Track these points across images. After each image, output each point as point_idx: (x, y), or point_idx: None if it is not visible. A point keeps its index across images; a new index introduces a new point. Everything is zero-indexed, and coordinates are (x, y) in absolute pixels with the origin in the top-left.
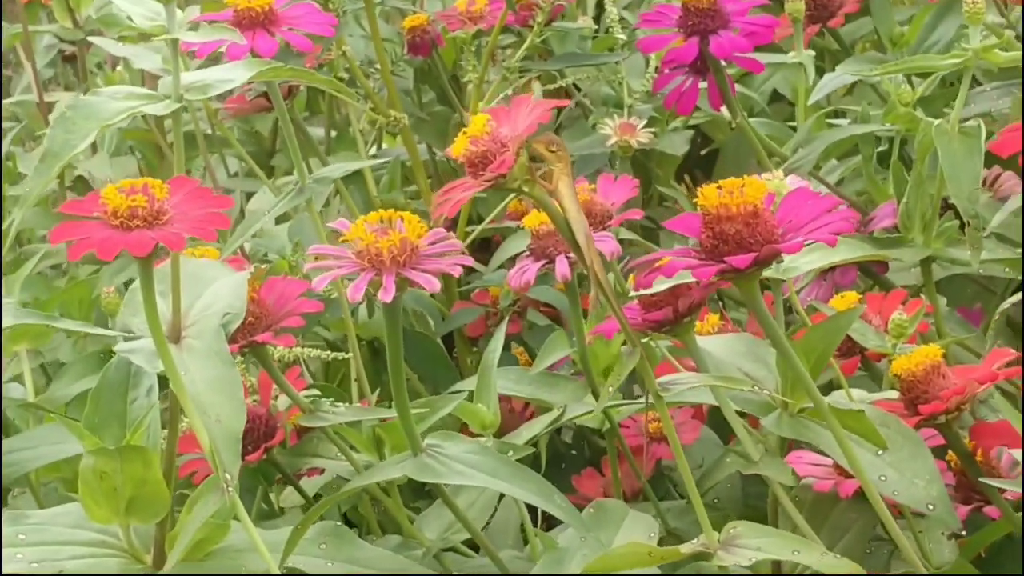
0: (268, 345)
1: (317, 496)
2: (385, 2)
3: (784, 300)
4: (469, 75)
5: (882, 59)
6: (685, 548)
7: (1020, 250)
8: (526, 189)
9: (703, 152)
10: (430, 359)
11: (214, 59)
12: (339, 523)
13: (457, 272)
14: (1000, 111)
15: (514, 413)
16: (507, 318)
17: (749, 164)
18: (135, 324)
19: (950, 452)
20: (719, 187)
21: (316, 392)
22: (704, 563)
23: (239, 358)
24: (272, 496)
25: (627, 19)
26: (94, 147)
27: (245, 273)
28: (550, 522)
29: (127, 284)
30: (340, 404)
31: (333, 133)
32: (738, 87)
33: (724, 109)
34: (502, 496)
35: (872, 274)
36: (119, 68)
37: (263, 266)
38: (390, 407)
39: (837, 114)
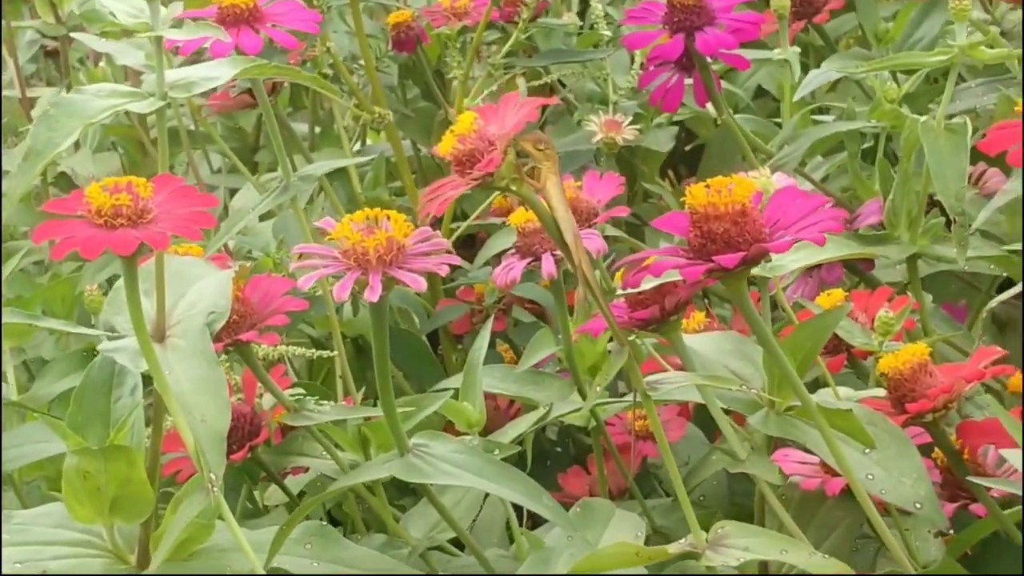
0: (253, 343)
1: (302, 494)
2: None
3: (770, 297)
4: (454, 71)
5: (867, 55)
6: (673, 548)
7: (1005, 247)
8: (514, 188)
9: (687, 148)
10: (415, 357)
11: (197, 55)
12: (324, 522)
13: (444, 271)
14: (985, 107)
15: (499, 411)
16: (492, 316)
17: (734, 160)
18: (119, 323)
19: (936, 450)
20: (707, 186)
21: (301, 391)
22: (692, 563)
23: (223, 356)
24: (256, 494)
25: (612, 15)
26: (77, 144)
27: (230, 271)
28: (535, 520)
29: (110, 281)
30: (325, 402)
31: (317, 129)
32: (723, 83)
33: (709, 105)
34: (487, 494)
35: (858, 271)
36: (102, 64)
37: (248, 264)
38: (375, 405)
39: (821, 110)
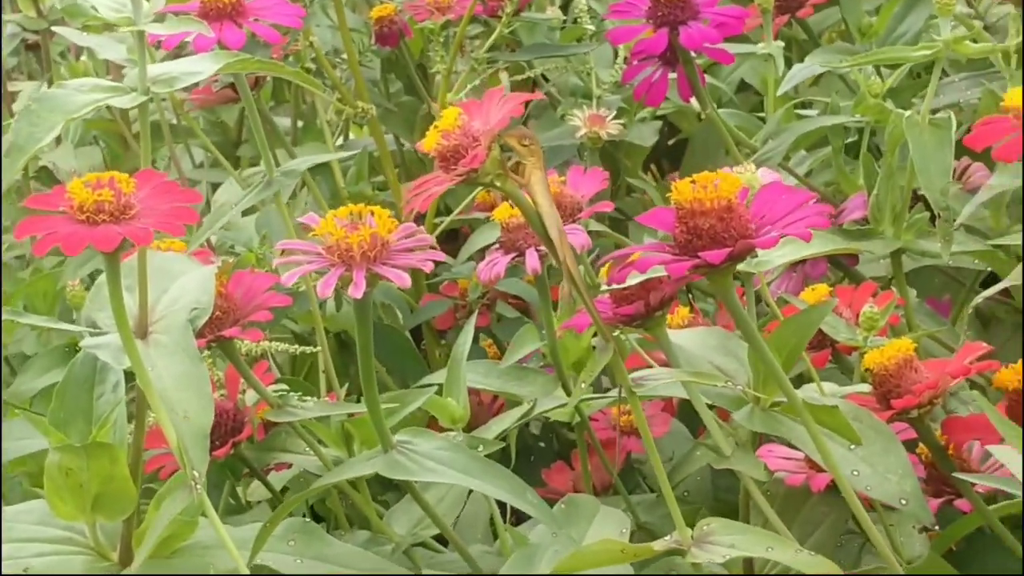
0: (235, 339)
1: (285, 490)
2: None
3: (754, 292)
4: (437, 66)
5: (851, 50)
6: (658, 545)
7: (989, 242)
8: (499, 183)
9: (671, 142)
10: (398, 352)
11: (180, 50)
12: (307, 519)
13: (428, 267)
14: (968, 102)
15: (483, 406)
16: (476, 311)
17: (718, 155)
18: (101, 319)
19: (921, 445)
20: (693, 181)
21: (284, 387)
22: (677, 560)
23: (206, 352)
24: (239, 490)
25: (595, 9)
26: (58, 138)
27: (212, 267)
28: (519, 516)
29: (92, 276)
30: (308, 398)
31: (300, 124)
32: (706, 77)
33: (693, 100)
34: (471, 491)
35: (842, 266)
36: (83, 58)
37: (230, 260)
38: (359, 401)
39: (805, 105)
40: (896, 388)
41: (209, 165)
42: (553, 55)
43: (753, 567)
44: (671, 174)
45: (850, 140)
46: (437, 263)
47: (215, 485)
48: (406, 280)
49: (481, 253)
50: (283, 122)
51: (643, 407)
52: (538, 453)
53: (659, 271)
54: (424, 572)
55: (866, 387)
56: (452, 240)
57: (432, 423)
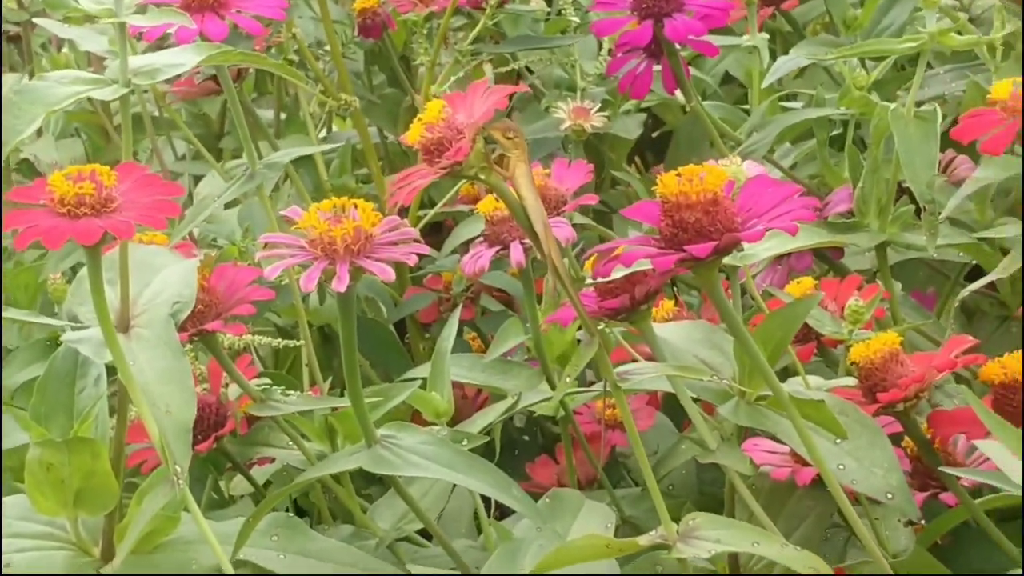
0: (218, 333)
1: (268, 485)
2: None
3: (739, 285)
4: (421, 58)
5: (836, 42)
6: (643, 540)
7: (975, 235)
8: (483, 176)
9: (655, 135)
10: (382, 346)
11: (162, 41)
12: (291, 514)
13: (412, 261)
14: (953, 94)
15: (467, 399)
16: (460, 304)
17: (702, 147)
18: (82, 313)
19: (906, 439)
20: (678, 174)
21: (267, 380)
22: (663, 555)
23: (188, 346)
24: (222, 485)
25: (580, 1)
26: (40, 130)
27: (195, 261)
28: (504, 510)
29: (74, 269)
30: (291, 392)
31: (283, 116)
32: (691, 69)
33: (678, 92)
34: (456, 485)
35: (827, 259)
36: (65, 50)
37: (213, 253)
38: (342, 394)
39: (789, 97)
40: (882, 382)
41: (191, 157)
42: (537, 47)
43: (739, 562)
44: (656, 167)
45: (835, 133)
46: (421, 256)
47: (197, 479)
48: (390, 274)
49: (465, 246)
50: (266, 114)
51: (628, 401)
52: (522, 447)
53: (644, 264)
54: (408, 567)
55: (852, 381)
56: (436, 233)
57: (416, 417)
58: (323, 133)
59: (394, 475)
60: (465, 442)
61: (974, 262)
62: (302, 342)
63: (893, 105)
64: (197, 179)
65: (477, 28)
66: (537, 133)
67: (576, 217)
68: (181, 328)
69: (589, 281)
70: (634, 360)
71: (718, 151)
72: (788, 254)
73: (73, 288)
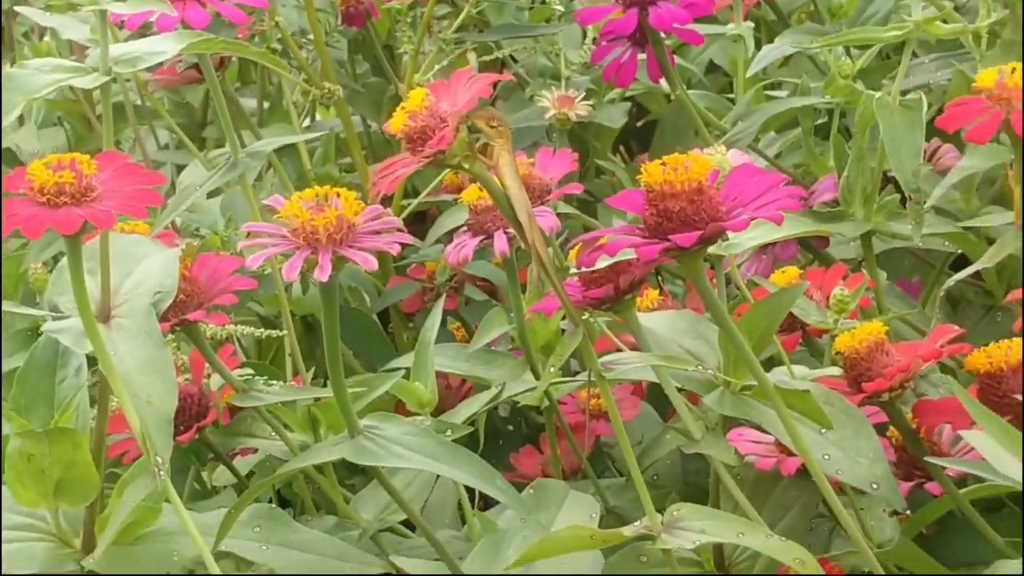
0: (200, 323)
1: (251, 475)
2: None
3: (724, 275)
4: (404, 46)
5: (821, 30)
6: (628, 531)
7: (960, 224)
8: (466, 165)
9: (640, 124)
10: (365, 335)
11: (144, 29)
12: (273, 505)
13: (395, 250)
14: (938, 83)
15: (451, 389)
16: (444, 294)
17: (687, 136)
18: (63, 303)
19: (892, 429)
20: (663, 164)
21: (249, 371)
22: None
23: (170, 336)
24: (205, 475)
25: None
26: (21, 119)
27: (176, 250)
28: (488, 501)
29: (57, 259)
30: (274, 382)
31: (266, 104)
32: (676, 58)
33: (663, 81)
34: (439, 475)
35: (812, 248)
36: (46, 38)
37: (195, 242)
38: (325, 384)
39: (774, 86)
40: (867, 371)
41: (174, 147)
42: (522, 35)
43: (723, 553)
44: (640, 156)
45: (820, 121)
46: (405, 245)
47: (180, 470)
48: (373, 263)
49: (449, 235)
50: (249, 103)
51: (612, 390)
52: (507, 437)
53: (629, 254)
54: (391, 558)
55: (837, 370)
56: (420, 222)
57: (400, 407)
58: (306, 122)
59: (377, 466)
60: (449, 432)
61: (959, 251)
62: (284, 332)
63: (878, 94)
64: (180, 168)
65: (461, 16)
66: (521, 122)
67: (560, 206)
68: (163, 318)
69: (573, 271)
70: (619, 350)
71: (703, 140)
72: (773, 243)
73: (54, 278)
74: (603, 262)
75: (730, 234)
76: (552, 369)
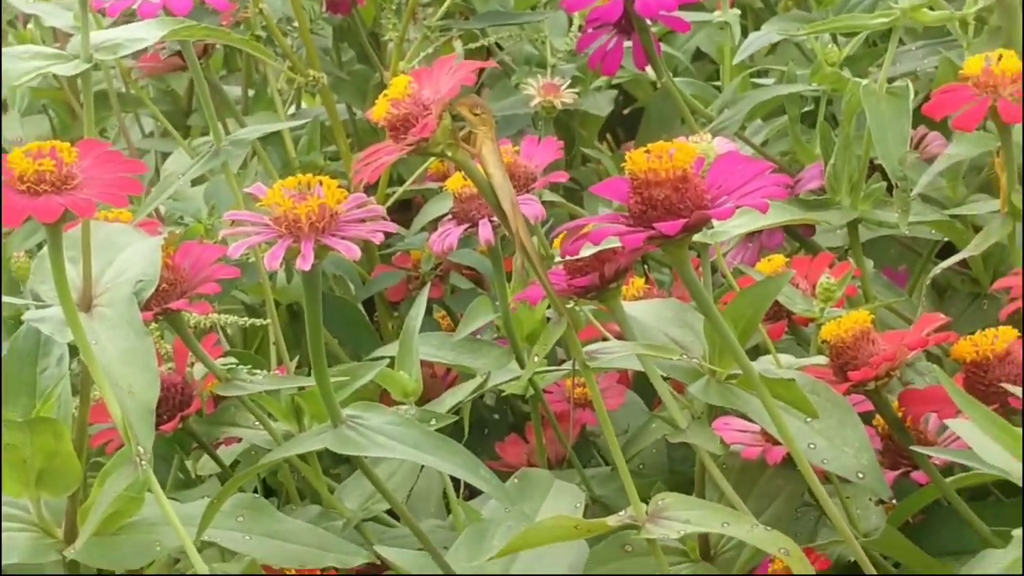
0: (183, 312)
1: (235, 464)
2: None
3: (710, 263)
4: (389, 34)
5: (807, 17)
6: (612, 521)
7: (946, 211)
8: (449, 153)
9: (626, 111)
10: (350, 324)
11: (130, 17)
12: (257, 495)
13: (378, 239)
14: (925, 70)
15: (436, 378)
16: (429, 282)
17: (673, 124)
18: (44, 291)
19: (878, 417)
20: (647, 151)
21: (233, 360)
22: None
23: (154, 325)
24: (189, 464)
25: None
26: (5, 106)
27: (159, 239)
28: (473, 490)
29: (40, 247)
30: (258, 372)
31: (251, 92)
32: (662, 46)
33: (648, 68)
34: (424, 464)
35: (798, 236)
36: (30, 26)
37: (177, 231)
38: (310, 374)
39: (761, 73)
40: (853, 360)
41: (159, 134)
42: (507, 23)
43: (709, 541)
44: (627, 143)
45: (807, 109)
46: (389, 234)
47: (163, 459)
48: (356, 252)
49: (434, 224)
50: (234, 91)
51: (598, 379)
52: (492, 426)
53: (613, 242)
54: (375, 547)
55: (823, 359)
56: (405, 210)
57: (384, 396)
58: (292, 110)
59: (360, 456)
60: (433, 421)
61: (946, 239)
62: (268, 321)
63: (865, 81)
64: (165, 156)
65: (446, 4)
66: (507, 110)
67: (546, 194)
68: (145, 307)
69: (558, 259)
70: (604, 338)
71: (689, 128)
72: (759, 231)
73: (35, 266)
74: (587, 250)
75: (716, 222)
76: (537, 358)
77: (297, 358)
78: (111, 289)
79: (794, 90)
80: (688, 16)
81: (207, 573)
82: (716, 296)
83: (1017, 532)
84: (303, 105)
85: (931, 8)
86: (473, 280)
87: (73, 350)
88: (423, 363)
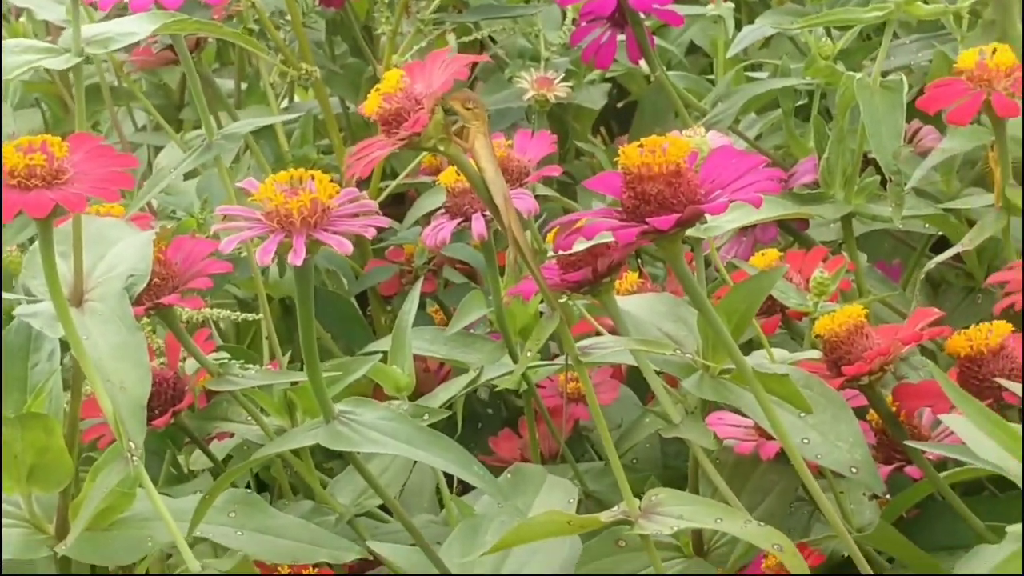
0: (175, 307)
1: (228, 459)
2: None
3: (704, 256)
4: (383, 27)
5: (801, 11)
6: (605, 517)
7: (940, 205)
8: (442, 148)
9: (620, 105)
10: (343, 319)
11: (123, 11)
12: (249, 490)
13: (370, 234)
14: (919, 64)
15: (429, 372)
16: (422, 277)
17: (667, 117)
18: (35, 286)
19: (872, 412)
20: (640, 145)
21: (225, 354)
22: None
23: (145, 320)
24: (182, 459)
25: None
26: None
27: (150, 233)
28: (466, 484)
29: (32, 241)
30: (250, 366)
31: (244, 85)
32: (655, 39)
33: (642, 62)
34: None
35: (792, 230)
36: (22, 19)
37: (169, 225)
38: (302, 368)
39: (755, 67)
40: (847, 355)
41: (152, 128)
42: (501, 16)
43: (702, 537)
44: (620, 136)
45: (801, 103)
46: (382, 228)
47: (156, 454)
48: (347, 247)
49: (427, 217)
50: (227, 84)
51: (591, 373)
52: (486, 420)
53: (607, 237)
54: (368, 543)
55: (816, 353)
56: (398, 204)
57: (377, 391)
58: (285, 103)
59: (352, 451)
60: (426, 416)
61: (940, 233)
62: (260, 316)
63: (859, 75)
64: (158, 150)
65: None
66: (500, 103)
67: (539, 188)
68: (137, 302)
69: (551, 253)
70: (598, 333)
71: (683, 121)
72: (753, 225)
73: (26, 261)
74: (580, 245)
75: (709, 216)
76: (530, 353)
77: (290, 352)
78: (102, 284)
79: (788, 84)
80: (682, 9)
81: (199, 569)
82: (710, 290)
83: (1014, 528)
84: (296, 98)
85: (925, 2)
86: (466, 274)
87: (64, 345)
88: (416, 357)
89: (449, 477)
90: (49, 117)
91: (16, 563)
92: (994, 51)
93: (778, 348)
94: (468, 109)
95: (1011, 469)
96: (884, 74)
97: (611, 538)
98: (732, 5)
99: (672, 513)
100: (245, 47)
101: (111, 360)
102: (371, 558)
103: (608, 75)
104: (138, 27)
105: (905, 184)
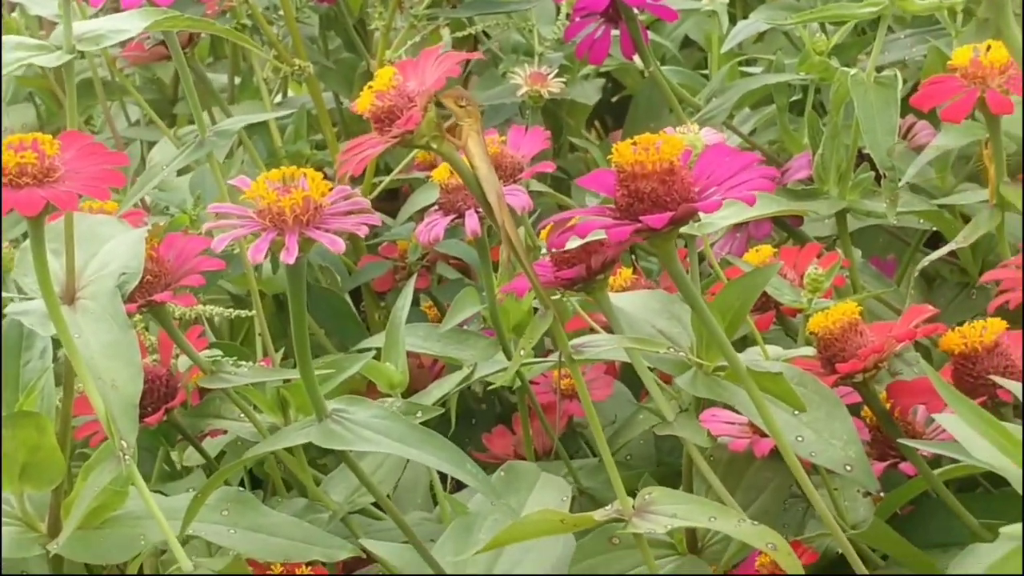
0: (167, 304)
1: (221, 456)
2: None
3: (698, 253)
4: (376, 22)
5: (796, 6)
6: (599, 515)
7: (935, 201)
8: (435, 145)
9: (614, 100)
10: (337, 315)
11: (117, 7)
12: (243, 488)
13: (363, 232)
14: (913, 59)
15: (423, 369)
16: (416, 273)
17: (661, 112)
18: (27, 284)
19: (866, 409)
20: (634, 143)
21: (218, 352)
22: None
23: (138, 317)
24: (175, 456)
25: None
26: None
27: (143, 230)
28: (459, 482)
29: (25, 236)
30: (243, 363)
31: (237, 80)
32: (649, 34)
33: (636, 57)
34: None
35: (787, 226)
36: (14, 15)
37: (161, 222)
38: (295, 365)
39: (749, 62)
40: (841, 352)
41: (145, 123)
42: (494, 11)
43: (696, 535)
44: (614, 132)
45: (795, 98)
46: (375, 225)
47: (149, 451)
48: (340, 245)
49: (421, 214)
50: (220, 79)
51: (585, 370)
52: (480, 417)
53: (600, 235)
54: (361, 540)
55: (811, 350)
56: (392, 200)
57: (371, 387)
58: (278, 98)
59: (344, 450)
60: (419, 414)
61: (934, 229)
62: (253, 312)
63: (853, 70)
64: (151, 145)
65: None
66: (494, 99)
67: (533, 184)
68: (129, 299)
69: (545, 251)
70: (592, 330)
71: (677, 116)
72: (747, 222)
73: (18, 259)
74: (574, 243)
75: (703, 214)
76: (524, 350)
77: (283, 349)
78: (94, 282)
79: (782, 79)
80: (676, 4)
81: (191, 568)
82: (704, 286)
83: (1009, 529)
84: (290, 93)
85: None
86: (460, 270)
87: (56, 343)
88: (410, 354)
89: (443, 474)
90: (43, 112)
91: (9, 562)
92: (988, 48)
93: (772, 345)
94: (461, 106)
95: (1006, 468)
96: (878, 69)
97: (604, 536)
98: (726, 0)
99: (666, 512)
100: (238, 43)
101: (103, 358)
102: (364, 556)
103: (602, 70)
104: (130, 24)
105: (899, 180)
